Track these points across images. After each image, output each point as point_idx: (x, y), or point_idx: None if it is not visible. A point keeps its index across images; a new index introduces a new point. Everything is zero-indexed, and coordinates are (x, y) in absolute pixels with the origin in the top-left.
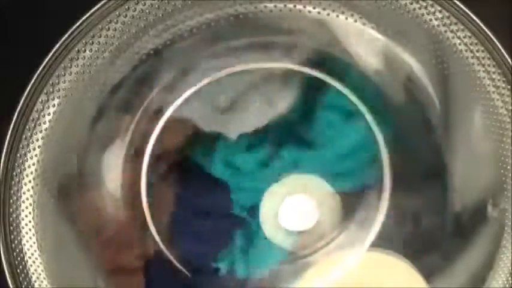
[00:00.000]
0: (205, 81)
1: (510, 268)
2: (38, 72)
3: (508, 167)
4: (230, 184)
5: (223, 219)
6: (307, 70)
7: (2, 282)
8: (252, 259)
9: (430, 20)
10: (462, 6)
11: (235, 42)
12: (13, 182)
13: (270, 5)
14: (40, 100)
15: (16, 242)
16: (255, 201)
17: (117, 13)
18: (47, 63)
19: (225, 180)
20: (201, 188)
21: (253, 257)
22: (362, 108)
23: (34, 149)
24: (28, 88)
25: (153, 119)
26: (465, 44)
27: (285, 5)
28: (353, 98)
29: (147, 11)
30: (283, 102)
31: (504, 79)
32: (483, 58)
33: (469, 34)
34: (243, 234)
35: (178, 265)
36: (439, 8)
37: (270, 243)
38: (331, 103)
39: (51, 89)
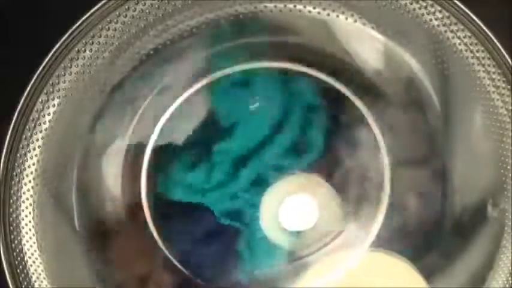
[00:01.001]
0: (204, 81)
1: (510, 268)
2: (38, 72)
3: (508, 167)
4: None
5: (219, 237)
6: (307, 70)
7: (2, 282)
8: (252, 260)
9: (430, 20)
10: (462, 6)
11: (235, 42)
12: (13, 182)
13: (270, 5)
14: (40, 100)
15: (16, 242)
16: (233, 206)
17: (117, 13)
18: (47, 63)
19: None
20: (184, 219)
21: (253, 257)
22: (362, 108)
23: (34, 149)
24: (28, 88)
25: (153, 119)
26: (465, 44)
27: (285, 5)
28: (353, 98)
29: (147, 11)
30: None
31: (504, 79)
32: (483, 58)
33: (469, 34)
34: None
35: (179, 266)
36: (439, 8)
37: (269, 243)
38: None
39: (51, 89)
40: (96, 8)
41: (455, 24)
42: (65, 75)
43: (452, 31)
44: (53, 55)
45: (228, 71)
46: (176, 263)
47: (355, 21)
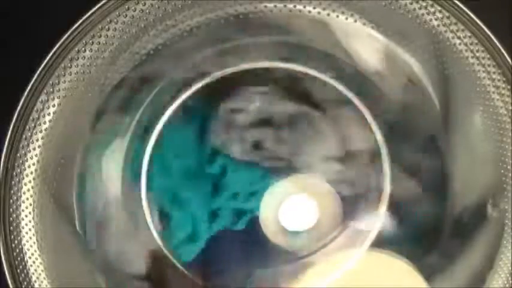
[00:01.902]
0: (205, 81)
1: (510, 268)
2: (38, 72)
3: (508, 167)
4: None
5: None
6: (307, 70)
7: (2, 282)
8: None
9: (430, 20)
10: (462, 6)
11: (235, 42)
12: (13, 182)
13: (270, 5)
14: (40, 100)
15: (16, 242)
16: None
17: (117, 13)
18: (47, 63)
19: None
20: None
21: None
22: (362, 108)
23: (34, 149)
24: (28, 88)
25: (153, 119)
26: (465, 44)
27: (285, 5)
28: (353, 98)
29: (147, 11)
30: None
31: (504, 79)
32: (483, 58)
33: (469, 34)
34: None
35: (179, 266)
36: (439, 8)
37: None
38: None
39: (51, 89)
40: (96, 8)
41: (455, 24)
42: (65, 75)
43: (452, 31)
44: (53, 55)
45: (227, 71)
46: (180, 266)
47: (355, 21)
